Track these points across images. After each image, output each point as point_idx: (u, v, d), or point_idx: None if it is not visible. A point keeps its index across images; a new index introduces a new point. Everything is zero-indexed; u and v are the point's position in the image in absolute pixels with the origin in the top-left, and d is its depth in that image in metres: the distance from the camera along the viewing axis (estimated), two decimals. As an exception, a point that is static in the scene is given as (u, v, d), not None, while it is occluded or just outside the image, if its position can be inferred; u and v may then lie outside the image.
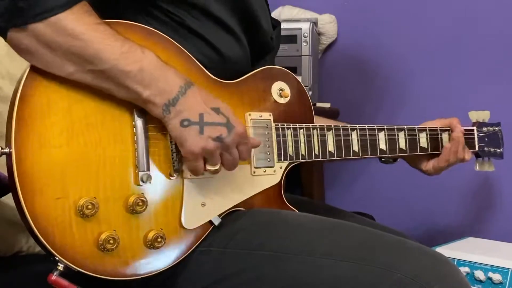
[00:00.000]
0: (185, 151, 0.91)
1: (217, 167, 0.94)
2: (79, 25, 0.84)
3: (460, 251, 1.55)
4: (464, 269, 1.50)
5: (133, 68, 0.86)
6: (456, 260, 1.52)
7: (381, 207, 1.98)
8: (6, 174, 1.21)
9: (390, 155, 1.23)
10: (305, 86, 1.87)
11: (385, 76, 2.01)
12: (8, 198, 1.28)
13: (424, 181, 1.72)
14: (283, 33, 1.87)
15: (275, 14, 2.09)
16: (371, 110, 2.04)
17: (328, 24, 2.04)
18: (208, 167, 0.93)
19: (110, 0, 0.97)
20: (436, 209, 1.93)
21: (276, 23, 1.28)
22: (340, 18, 2.06)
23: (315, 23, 1.95)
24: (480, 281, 1.48)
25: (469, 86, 1.86)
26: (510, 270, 1.45)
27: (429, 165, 1.31)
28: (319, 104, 1.94)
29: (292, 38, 1.89)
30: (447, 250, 1.56)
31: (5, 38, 0.85)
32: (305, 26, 1.88)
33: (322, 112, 1.93)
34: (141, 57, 0.87)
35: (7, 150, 0.83)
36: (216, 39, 1.05)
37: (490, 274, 1.47)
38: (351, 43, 2.06)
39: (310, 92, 1.87)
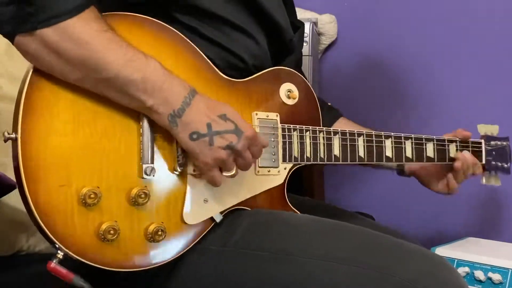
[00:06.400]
0: (198, 163, 0.92)
1: (233, 172, 0.96)
2: (85, 32, 0.84)
3: (460, 251, 1.55)
4: (464, 269, 1.50)
5: (137, 76, 0.86)
6: (456, 260, 1.52)
7: (381, 207, 1.98)
8: (5, 174, 1.21)
9: (396, 163, 1.22)
10: (305, 86, 1.88)
11: (385, 76, 2.01)
12: (8, 198, 1.28)
13: (424, 181, 1.72)
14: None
15: (275, 14, 2.09)
16: (371, 111, 2.04)
17: (328, 24, 2.04)
18: (225, 173, 0.95)
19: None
20: (436, 209, 1.93)
21: (299, 24, 1.28)
22: (340, 18, 2.06)
23: (315, 23, 1.95)
24: (480, 281, 1.48)
25: (470, 85, 1.86)
26: (510, 270, 1.45)
27: (440, 185, 1.33)
28: (319, 104, 1.93)
29: (292, 38, 1.88)
30: (447, 250, 1.55)
31: (12, 42, 0.85)
32: (305, 26, 1.87)
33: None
34: (145, 66, 0.87)
35: (13, 135, 0.83)
36: (234, 44, 1.05)
37: (490, 274, 1.47)
38: (351, 43, 2.06)
39: (311, 92, 1.87)
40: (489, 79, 1.84)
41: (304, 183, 1.95)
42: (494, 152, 1.39)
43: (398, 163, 1.23)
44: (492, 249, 1.62)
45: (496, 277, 1.45)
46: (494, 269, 1.47)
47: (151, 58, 0.89)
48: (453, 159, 1.30)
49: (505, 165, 1.41)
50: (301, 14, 2.05)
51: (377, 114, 2.02)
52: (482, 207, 1.87)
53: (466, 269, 1.50)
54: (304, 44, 1.87)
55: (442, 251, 1.55)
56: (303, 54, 1.86)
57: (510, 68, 1.80)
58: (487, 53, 1.84)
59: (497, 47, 1.82)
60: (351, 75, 2.09)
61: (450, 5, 1.89)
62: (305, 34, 1.87)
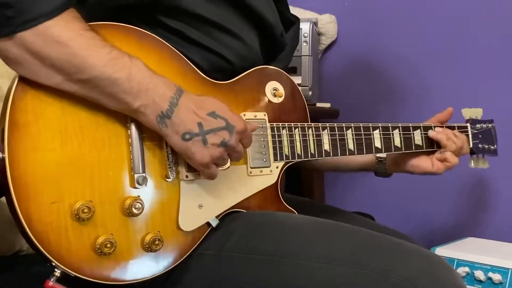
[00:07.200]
0: (195, 164, 0.92)
1: (228, 165, 0.98)
2: (66, 32, 0.82)
3: (460, 251, 1.55)
4: (464, 269, 1.50)
5: (121, 75, 0.84)
6: (456, 260, 1.52)
7: (381, 207, 1.98)
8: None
9: (385, 153, 1.22)
10: (305, 86, 1.88)
11: (385, 76, 2.01)
12: (8, 198, 1.28)
13: (424, 181, 1.72)
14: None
15: (275, 14, 2.09)
16: (371, 110, 2.04)
17: (328, 24, 2.04)
18: (220, 168, 0.96)
19: (112, 16, 0.95)
20: (436, 209, 1.93)
21: (294, 19, 1.27)
22: (340, 18, 2.06)
23: (315, 23, 1.95)
24: (480, 281, 1.48)
25: (471, 85, 1.86)
26: (510, 270, 1.45)
27: (436, 164, 1.27)
28: (319, 104, 1.93)
29: (292, 38, 1.88)
30: (447, 250, 1.55)
31: None
32: (305, 26, 1.87)
33: (322, 112, 1.94)
34: (129, 64, 0.86)
35: (0, 155, 0.81)
36: (219, 45, 1.04)
37: (490, 274, 1.47)
38: (351, 43, 2.06)
39: (310, 92, 1.87)
40: (493, 78, 1.84)
41: (304, 184, 1.95)
42: (480, 135, 1.38)
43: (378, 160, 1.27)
44: (492, 249, 1.62)
45: (496, 277, 1.45)
46: (494, 269, 1.47)
47: (135, 58, 0.87)
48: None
49: (492, 147, 1.41)
50: (301, 14, 2.05)
51: (377, 113, 2.02)
52: (482, 207, 1.87)
53: (466, 269, 1.50)
54: (304, 44, 1.87)
55: (442, 251, 1.56)
56: (303, 54, 1.87)
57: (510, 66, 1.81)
58: (489, 51, 1.84)
59: (498, 47, 1.83)
60: (351, 75, 2.09)
61: (450, 4, 1.89)
62: (305, 34, 1.87)
